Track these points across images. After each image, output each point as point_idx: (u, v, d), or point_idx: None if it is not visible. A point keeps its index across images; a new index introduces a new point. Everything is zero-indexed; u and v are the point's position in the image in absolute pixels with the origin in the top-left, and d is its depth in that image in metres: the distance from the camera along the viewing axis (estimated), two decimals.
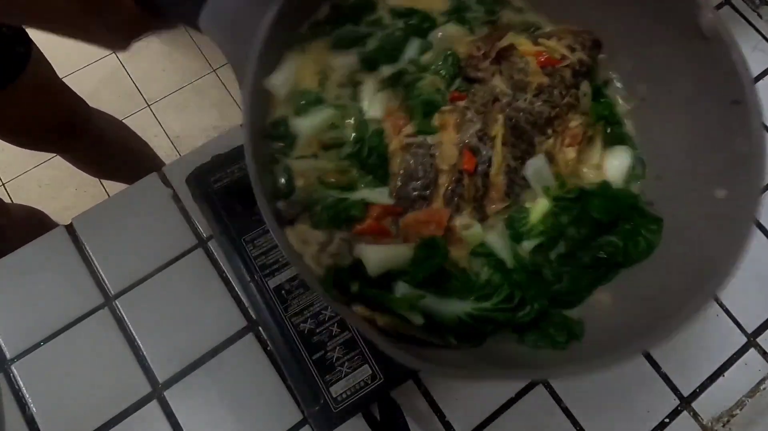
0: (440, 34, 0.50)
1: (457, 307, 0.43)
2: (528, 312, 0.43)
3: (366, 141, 0.46)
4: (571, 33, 0.50)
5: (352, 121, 0.47)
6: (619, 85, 0.52)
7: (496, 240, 0.45)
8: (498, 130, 0.46)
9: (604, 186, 0.48)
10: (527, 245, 0.46)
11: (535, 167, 0.47)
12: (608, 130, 0.50)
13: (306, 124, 0.45)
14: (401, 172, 0.45)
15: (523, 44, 0.49)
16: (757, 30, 0.74)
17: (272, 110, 0.45)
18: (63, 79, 0.88)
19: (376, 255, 0.42)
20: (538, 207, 0.46)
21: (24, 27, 0.50)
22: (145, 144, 1.18)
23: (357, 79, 0.48)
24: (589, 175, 0.49)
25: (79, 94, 0.93)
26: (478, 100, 0.47)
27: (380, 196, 0.45)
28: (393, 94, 0.48)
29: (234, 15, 0.39)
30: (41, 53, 0.80)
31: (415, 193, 0.45)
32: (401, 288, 0.42)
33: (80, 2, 0.39)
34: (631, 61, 0.51)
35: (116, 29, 0.42)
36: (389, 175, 0.46)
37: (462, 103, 0.47)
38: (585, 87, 0.50)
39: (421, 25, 0.50)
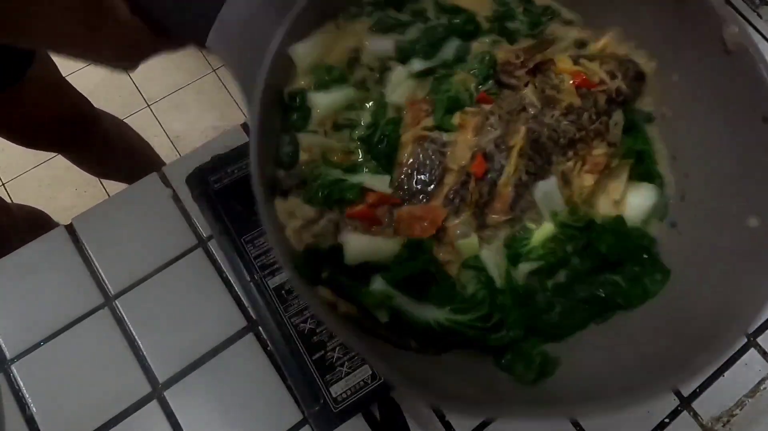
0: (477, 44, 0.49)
1: (430, 313, 0.42)
2: (501, 337, 0.42)
3: (380, 126, 0.45)
4: (615, 59, 0.49)
5: (371, 104, 0.46)
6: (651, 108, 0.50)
7: (491, 256, 0.44)
8: (518, 140, 0.44)
9: (619, 221, 0.46)
10: (524, 268, 0.44)
11: (546, 190, 0.45)
12: (639, 167, 0.48)
13: (324, 101, 0.45)
14: (409, 162, 0.45)
15: (563, 62, 0.48)
16: (757, 30, 0.74)
17: (291, 81, 0.45)
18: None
19: (357, 244, 0.42)
20: (543, 230, 0.44)
21: (25, 45, 0.50)
22: (147, 144, 1.18)
23: (387, 64, 0.48)
24: (605, 207, 0.47)
25: None
26: (504, 106, 0.46)
27: (380, 183, 0.44)
28: (421, 84, 0.48)
29: (243, 35, 0.39)
30: (47, 53, 0.80)
31: (418, 186, 0.44)
32: (377, 284, 0.41)
33: (87, 25, 0.39)
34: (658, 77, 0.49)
35: (122, 50, 0.42)
36: (394, 165, 0.45)
37: (488, 107, 0.46)
38: (618, 116, 0.47)
39: (464, 26, 0.49)
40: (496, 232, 0.45)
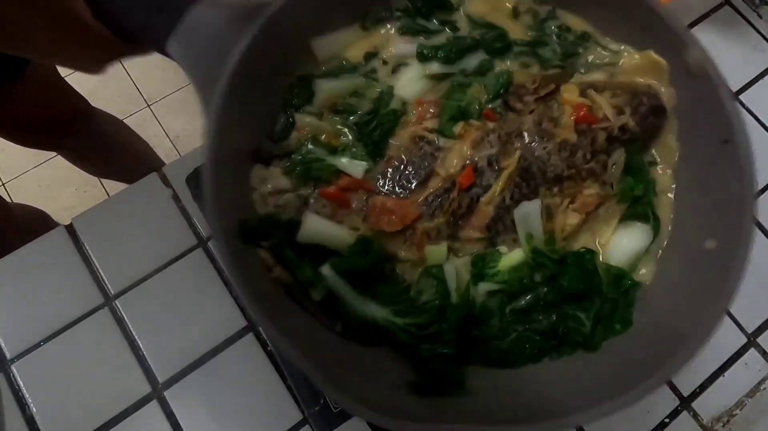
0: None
1: (370, 309, 0.42)
2: (431, 348, 0.42)
3: (380, 115, 0.46)
4: (630, 91, 0.46)
5: (376, 93, 0.47)
6: None
7: (453, 271, 0.44)
8: (511, 163, 0.45)
9: (588, 257, 0.44)
10: (484, 287, 0.44)
11: (527, 210, 0.44)
12: (635, 206, 0.46)
13: (330, 85, 0.47)
14: (400, 156, 0.46)
15: (569, 92, 0.46)
16: (757, 30, 0.73)
17: (304, 65, 0.47)
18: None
19: (314, 225, 0.43)
20: (512, 255, 0.44)
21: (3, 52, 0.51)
22: (146, 144, 1.18)
23: (404, 61, 0.49)
24: (588, 243, 0.46)
25: None
26: (505, 128, 0.46)
27: (354, 168, 0.45)
28: (434, 85, 0.48)
29: (205, 43, 0.40)
30: None
31: (402, 181, 0.45)
32: (325, 270, 0.42)
33: (55, 32, 0.40)
34: None
35: (89, 55, 0.43)
36: (379, 155, 0.46)
37: (491, 124, 0.46)
38: (618, 156, 0.45)
39: (494, 42, 0.49)
40: (465, 247, 0.45)
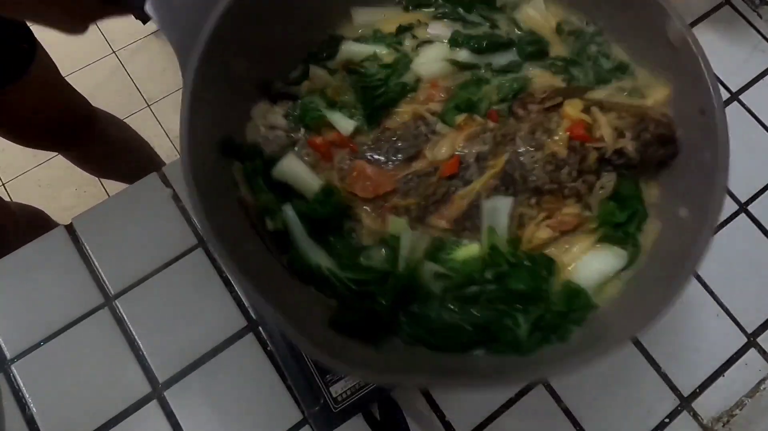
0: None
1: (316, 255, 0.43)
2: (362, 305, 0.42)
3: (389, 85, 0.47)
4: (639, 116, 0.44)
5: (393, 62, 0.49)
6: None
7: (408, 244, 0.44)
8: (497, 164, 0.44)
9: (545, 261, 0.43)
10: (433, 268, 0.43)
11: (497, 205, 0.44)
12: (616, 231, 0.44)
13: (353, 48, 0.49)
14: (397, 130, 0.46)
15: (571, 106, 0.45)
16: (757, 30, 0.74)
17: (337, 29, 0.50)
18: None
19: (291, 165, 0.45)
20: (470, 248, 0.44)
21: None
22: (147, 144, 1.18)
23: (432, 40, 0.50)
24: (554, 255, 0.44)
25: None
26: (502, 130, 0.46)
27: (344, 125, 0.46)
28: (453, 72, 0.49)
29: (182, 3, 0.41)
30: (45, 52, 0.80)
31: (388, 153, 0.46)
32: (287, 208, 0.44)
33: None
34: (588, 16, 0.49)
35: (71, 14, 0.43)
36: (376, 122, 0.47)
37: (491, 124, 0.46)
38: (607, 181, 0.44)
39: (529, 46, 0.49)
40: (428, 232, 0.45)
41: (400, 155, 0.45)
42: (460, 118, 0.46)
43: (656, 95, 0.46)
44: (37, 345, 0.53)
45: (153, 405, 0.52)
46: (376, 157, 0.46)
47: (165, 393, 0.52)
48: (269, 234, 0.43)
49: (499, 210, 0.44)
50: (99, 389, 0.52)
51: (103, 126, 0.99)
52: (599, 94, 0.47)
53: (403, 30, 0.50)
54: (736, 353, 0.59)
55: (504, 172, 0.44)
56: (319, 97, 0.48)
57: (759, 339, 0.60)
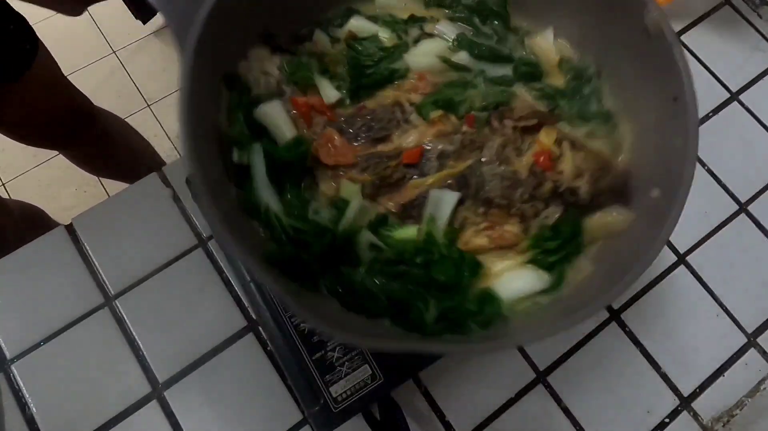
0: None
1: (267, 196, 0.45)
2: (295, 252, 0.44)
3: (380, 68, 0.50)
4: (602, 163, 0.46)
5: (390, 47, 0.51)
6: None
7: (356, 208, 0.45)
8: (458, 167, 0.46)
9: (469, 261, 0.45)
10: (369, 238, 0.45)
11: (442, 196, 0.46)
12: (546, 257, 0.45)
13: (360, 23, 0.52)
14: (374, 109, 0.49)
15: (546, 134, 0.47)
16: (757, 30, 0.74)
17: (356, 3, 0.53)
18: None
19: (272, 110, 0.47)
20: (408, 230, 0.46)
21: None
22: (147, 143, 1.18)
23: (432, 34, 0.52)
24: (483, 259, 0.45)
25: None
26: (473, 137, 0.47)
27: (328, 93, 0.49)
28: (443, 70, 0.51)
29: None
30: (47, 50, 0.80)
31: (360, 129, 0.48)
32: (255, 147, 0.46)
33: None
34: (591, 57, 0.51)
35: None
36: (357, 98, 0.50)
37: (465, 128, 0.48)
38: (552, 211, 0.46)
39: (526, 67, 0.51)
40: (375, 209, 0.47)
41: (369, 134, 0.48)
42: (436, 113, 0.48)
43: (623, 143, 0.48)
44: (37, 345, 0.53)
45: (153, 405, 0.52)
46: (348, 130, 0.48)
47: (165, 393, 0.52)
48: (232, 166, 0.45)
49: (444, 202, 0.46)
50: (99, 389, 0.52)
51: (104, 125, 0.99)
52: (576, 131, 0.49)
53: (414, 20, 0.52)
54: (736, 353, 0.59)
55: (462, 175, 0.46)
56: (315, 61, 0.50)
57: (759, 339, 0.60)
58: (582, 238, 0.46)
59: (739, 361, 0.59)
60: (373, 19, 0.52)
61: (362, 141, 0.47)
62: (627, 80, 0.48)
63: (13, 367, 0.52)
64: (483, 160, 0.46)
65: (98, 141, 0.99)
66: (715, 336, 0.60)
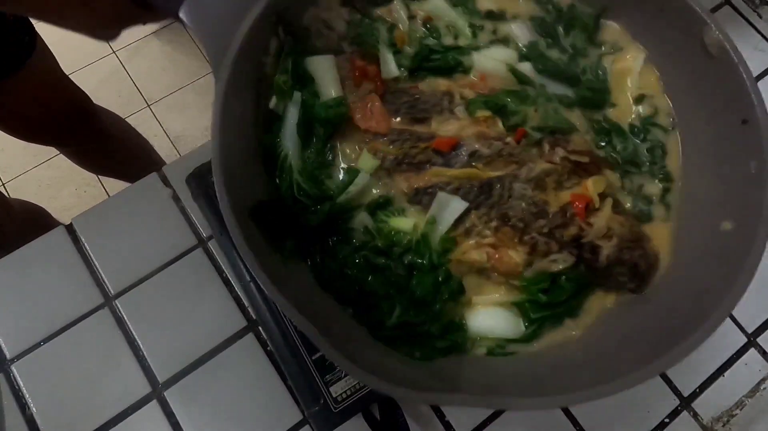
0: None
1: (289, 147, 0.45)
2: (281, 209, 0.44)
3: (446, 56, 0.49)
4: (636, 239, 0.43)
5: (462, 41, 0.51)
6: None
7: (363, 182, 0.45)
8: (487, 171, 0.44)
9: (446, 277, 0.43)
10: (365, 220, 0.45)
11: (449, 202, 0.44)
12: (528, 305, 0.43)
13: (439, 7, 0.51)
14: (426, 92, 0.48)
15: (596, 183, 0.44)
16: (757, 30, 0.74)
17: None
18: None
19: (326, 63, 0.47)
20: (406, 220, 0.45)
21: (13, 12, 0.50)
22: (146, 142, 1.18)
23: (511, 39, 0.51)
24: (470, 286, 0.44)
25: None
26: (516, 151, 0.45)
27: (390, 69, 0.48)
28: (507, 79, 0.49)
29: (215, 10, 0.41)
30: (46, 45, 0.80)
31: (403, 105, 0.47)
32: (296, 95, 0.46)
33: None
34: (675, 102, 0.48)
35: (104, 18, 0.43)
36: (414, 77, 0.49)
37: (509, 139, 0.46)
38: (562, 259, 0.43)
39: (593, 96, 0.49)
40: (389, 185, 0.46)
41: (411, 112, 0.47)
42: (483, 113, 0.46)
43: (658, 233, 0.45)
44: (37, 345, 0.53)
45: (153, 405, 0.52)
46: (392, 102, 0.47)
47: (165, 393, 0.52)
48: (265, 111, 0.45)
49: (450, 207, 0.44)
50: (99, 389, 0.52)
51: (102, 123, 0.99)
52: (618, 192, 0.46)
53: (491, 16, 0.51)
54: (736, 353, 0.59)
55: (489, 181, 0.44)
56: (385, 29, 0.49)
57: (759, 339, 0.60)
58: (579, 303, 0.44)
59: (739, 361, 0.59)
60: (452, 2, 0.51)
61: (401, 116, 0.47)
62: (691, 109, 0.45)
63: (13, 367, 0.52)
64: (519, 175, 0.44)
65: (97, 138, 0.99)
66: (715, 336, 0.60)
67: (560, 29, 0.51)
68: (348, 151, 0.47)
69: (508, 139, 0.46)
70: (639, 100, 0.48)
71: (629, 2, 0.48)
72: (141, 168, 1.09)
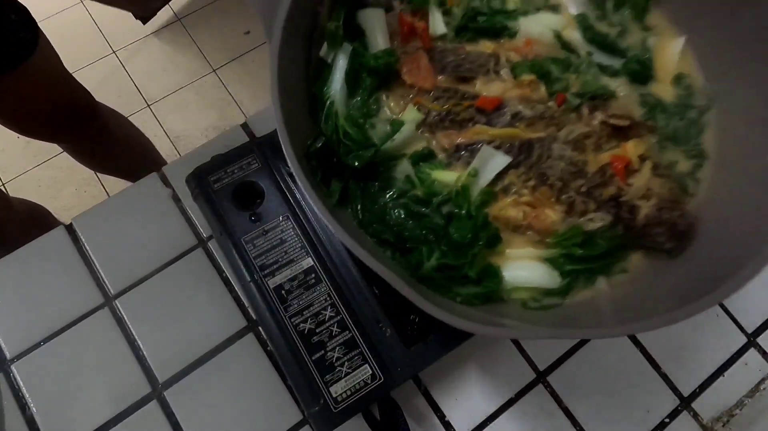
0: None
1: (336, 94, 0.46)
2: (328, 153, 0.45)
3: (493, 19, 0.51)
4: (675, 200, 0.43)
5: (513, 9, 0.52)
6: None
7: (408, 132, 0.46)
8: (527, 131, 0.45)
9: (478, 218, 0.44)
10: (408, 169, 0.46)
11: (493, 157, 0.45)
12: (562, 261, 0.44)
13: None
14: (473, 51, 0.49)
15: (635, 145, 0.44)
16: None
17: None
18: None
19: (373, 17, 0.49)
20: (448, 174, 0.46)
21: None
22: (147, 140, 1.18)
23: (560, 7, 0.52)
24: (508, 233, 0.44)
25: None
26: (557, 114, 0.46)
27: (437, 26, 0.50)
28: (553, 46, 0.50)
29: None
30: (48, 41, 0.80)
31: (450, 64, 0.48)
32: (346, 46, 0.47)
33: None
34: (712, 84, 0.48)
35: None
36: (461, 36, 0.51)
37: (551, 103, 0.47)
38: (599, 217, 0.43)
39: (635, 65, 0.50)
40: (431, 141, 0.47)
41: (456, 71, 0.48)
42: (528, 77, 0.47)
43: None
44: (37, 345, 0.53)
45: (153, 405, 0.52)
46: (438, 60, 0.48)
47: (165, 393, 0.52)
48: (315, 59, 0.47)
49: (493, 162, 0.45)
50: (99, 389, 0.52)
51: (104, 120, 0.99)
52: (661, 155, 0.46)
53: None
54: (736, 353, 0.59)
55: (529, 141, 0.45)
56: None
57: (759, 339, 0.60)
58: (613, 262, 0.44)
59: (739, 361, 0.59)
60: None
61: (447, 74, 0.48)
62: (740, 113, 0.46)
63: (13, 367, 0.52)
64: (559, 136, 0.45)
65: (98, 135, 0.99)
66: (715, 336, 0.60)
67: (610, 4, 0.52)
68: (392, 104, 0.48)
69: (550, 103, 0.47)
70: (677, 80, 0.50)
71: None
72: (142, 167, 1.09)
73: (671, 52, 0.50)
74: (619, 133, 0.45)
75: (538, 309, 0.43)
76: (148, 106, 1.61)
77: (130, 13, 1.51)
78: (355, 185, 0.46)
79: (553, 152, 0.45)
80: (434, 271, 0.42)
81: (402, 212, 0.44)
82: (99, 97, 0.99)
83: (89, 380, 0.52)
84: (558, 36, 0.50)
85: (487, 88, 0.47)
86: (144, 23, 1.62)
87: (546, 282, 0.43)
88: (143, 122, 1.56)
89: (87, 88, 0.95)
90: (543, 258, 0.44)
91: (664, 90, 0.49)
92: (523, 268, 0.44)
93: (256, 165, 0.54)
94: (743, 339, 0.60)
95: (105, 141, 1.02)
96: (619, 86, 0.49)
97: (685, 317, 0.34)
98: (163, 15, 1.69)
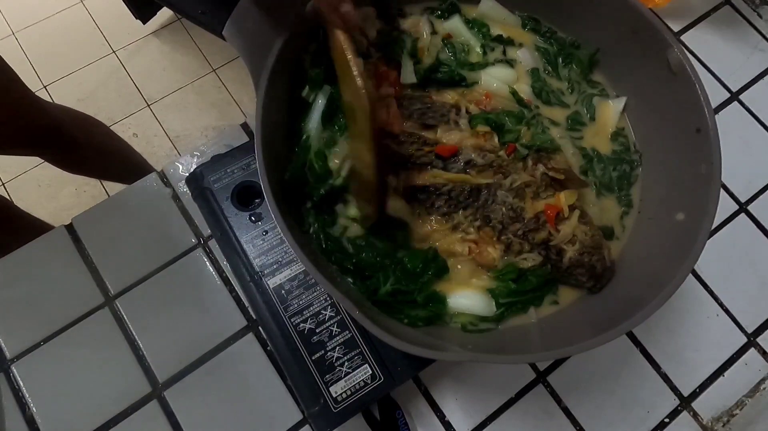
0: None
1: (312, 128, 0.51)
2: (297, 181, 0.49)
3: (453, 70, 0.56)
4: (597, 245, 0.49)
5: (473, 57, 0.57)
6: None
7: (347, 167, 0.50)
8: (478, 179, 0.50)
9: (427, 256, 0.49)
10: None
11: None
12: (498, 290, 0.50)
13: (458, 27, 0.58)
14: (435, 103, 0.53)
15: (567, 196, 0.49)
16: (757, 30, 0.74)
17: (460, 1, 0.59)
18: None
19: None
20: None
21: None
22: (126, 145, 1.14)
23: (512, 57, 0.58)
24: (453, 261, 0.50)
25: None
26: (503, 162, 0.51)
27: (409, 76, 0.54)
28: (508, 100, 0.56)
29: (253, 31, 0.47)
30: (3, 61, 0.77)
31: (416, 112, 0.52)
32: (326, 89, 0.51)
33: None
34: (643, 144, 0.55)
35: None
36: (426, 86, 0.55)
37: (502, 152, 0.51)
38: (530, 257, 0.49)
39: (575, 116, 0.56)
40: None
41: (421, 118, 0.52)
42: (483, 128, 0.52)
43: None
44: (37, 345, 0.53)
45: (153, 405, 0.52)
46: (406, 107, 0.53)
47: (165, 393, 0.52)
48: (296, 98, 0.51)
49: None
50: (99, 389, 0.52)
51: (71, 137, 0.95)
52: (591, 208, 0.53)
53: (500, 40, 0.58)
54: (736, 353, 0.59)
55: (476, 187, 0.50)
56: (410, 41, 0.56)
57: (759, 339, 0.60)
58: (542, 295, 0.50)
59: (739, 361, 0.59)
60: (469, 24, 0.58)
61: (413, 120, 0.52)
62: (661, 174, 0.52)
63: (13, 367, 0.52)
64: (504, 184, 0.50)
65: (69, 150, 0.96)
66: (715, 336, 0.60)
67: (560, 61, 0.58)
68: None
69: (501, 152, 0.51)
70: (615, 136, 0.56)
71: (613, 48, 0.55)
72: (126, 170, 1.07)
73: (613, 110, 0.56)
74: (557, 183, 0.51)
75: (475, 332, 0.48)
76: (148, 105, 1.61)
77: (130, 13, 1.51)
78: (314, 217, 0.49)
79: (497, 198, 0.50)
80: (389, 296, 0.47)
81: (350, 246, 0.49)
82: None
83: (89, 380, 0.52)
84: (513, 92, 0.56)
85: (447, 136, 0.51)
86: (144, 23, 1.62)
87: (483, 310, 0.49)
88: (143, 122, 1.56)
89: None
90: (484, 289, 0.50)
91: (603, 144, 0.56)
92: (465, 297, 0.49)
93: (256, 165, 0.54)
94: (743, 339, 0.60)
95: (79, 154, 0.99)
96: (562, 139, 0.55)
97: (596, 345, 0.39)
98: (163, 15, 1.69)
